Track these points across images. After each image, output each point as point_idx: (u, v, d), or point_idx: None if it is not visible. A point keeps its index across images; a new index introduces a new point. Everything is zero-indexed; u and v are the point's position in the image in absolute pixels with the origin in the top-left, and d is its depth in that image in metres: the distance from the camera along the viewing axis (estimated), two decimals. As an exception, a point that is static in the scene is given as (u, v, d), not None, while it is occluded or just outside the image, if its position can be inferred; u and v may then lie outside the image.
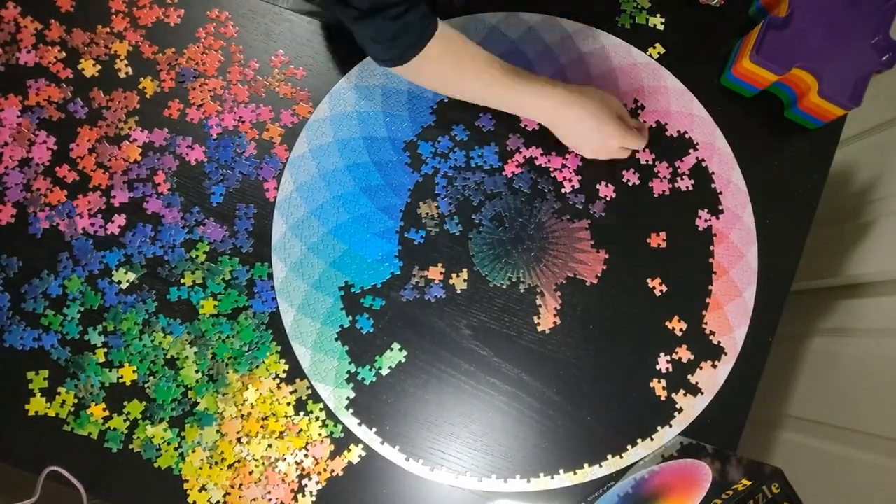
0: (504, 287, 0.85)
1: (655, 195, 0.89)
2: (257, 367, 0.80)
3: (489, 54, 0.77)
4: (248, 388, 0.80)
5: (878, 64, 0.84)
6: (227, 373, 0.80)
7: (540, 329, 0.85)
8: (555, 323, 0.85)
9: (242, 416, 0.79)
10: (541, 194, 0.88)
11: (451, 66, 0.77)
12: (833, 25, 0.85)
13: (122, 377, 0.79)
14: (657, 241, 0.88)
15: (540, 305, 0.85)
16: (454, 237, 0.86)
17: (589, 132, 0.82)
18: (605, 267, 0.87)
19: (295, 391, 0.81)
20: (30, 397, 0.77)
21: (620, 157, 0.86)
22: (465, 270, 0.85)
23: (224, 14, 0.87)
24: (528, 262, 0.86)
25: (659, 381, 0.85)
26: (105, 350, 0.79)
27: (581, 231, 0.87)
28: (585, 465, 0.83)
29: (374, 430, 0.81)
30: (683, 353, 0.86)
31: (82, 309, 0.79)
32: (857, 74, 0.84)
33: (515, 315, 0.85)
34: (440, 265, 0.85)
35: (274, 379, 0.81)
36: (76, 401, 0.78)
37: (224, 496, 0.78)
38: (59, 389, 0.78)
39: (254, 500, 0.78)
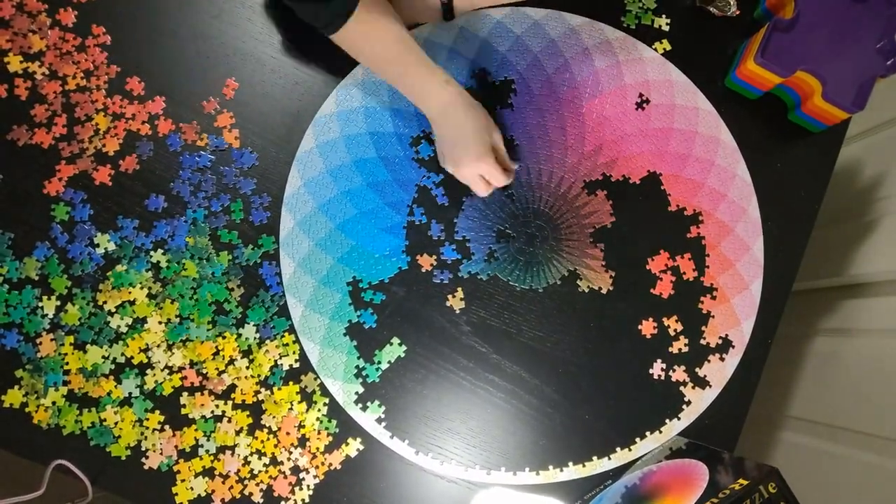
0: (558, 284, 0.86)
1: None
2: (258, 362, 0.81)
3: (404, 34, 0.77)
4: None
5: (883, 68, 0.85)
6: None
7: (604, 292, 0.86)
8: (611, 277, 0.87)
9: (241, 409, 0.80)
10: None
11: (366, 38, 0.77)
12: (838, 29, 0.85)
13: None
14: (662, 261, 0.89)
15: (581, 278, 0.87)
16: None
17: (462, 142, 0.81)
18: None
19: (300, 383, 0.82)
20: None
21: (477, 188, 0.84)
22: (459, 289, 0.85)
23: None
24: (554, 249, 0.87)
25: (663, 375, 0.85)
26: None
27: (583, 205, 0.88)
28: (594, 458, 0.84)
29: (384, 424, 0.82)
30: (685, 348, 0.86)
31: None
32: (861, 78, 0.84)
33: (515, 312, 0.86)
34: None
35: (273, 373, 0.81)
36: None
37: (220, 487, 0.79)
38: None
39: (251, 493, 0.79)
